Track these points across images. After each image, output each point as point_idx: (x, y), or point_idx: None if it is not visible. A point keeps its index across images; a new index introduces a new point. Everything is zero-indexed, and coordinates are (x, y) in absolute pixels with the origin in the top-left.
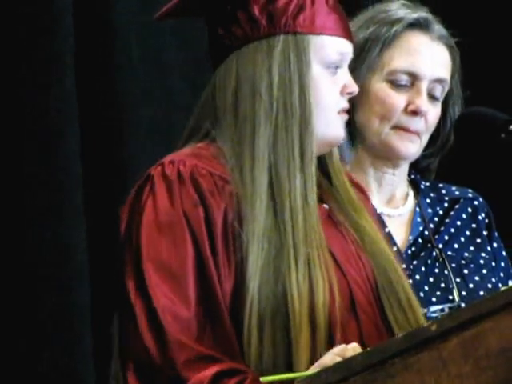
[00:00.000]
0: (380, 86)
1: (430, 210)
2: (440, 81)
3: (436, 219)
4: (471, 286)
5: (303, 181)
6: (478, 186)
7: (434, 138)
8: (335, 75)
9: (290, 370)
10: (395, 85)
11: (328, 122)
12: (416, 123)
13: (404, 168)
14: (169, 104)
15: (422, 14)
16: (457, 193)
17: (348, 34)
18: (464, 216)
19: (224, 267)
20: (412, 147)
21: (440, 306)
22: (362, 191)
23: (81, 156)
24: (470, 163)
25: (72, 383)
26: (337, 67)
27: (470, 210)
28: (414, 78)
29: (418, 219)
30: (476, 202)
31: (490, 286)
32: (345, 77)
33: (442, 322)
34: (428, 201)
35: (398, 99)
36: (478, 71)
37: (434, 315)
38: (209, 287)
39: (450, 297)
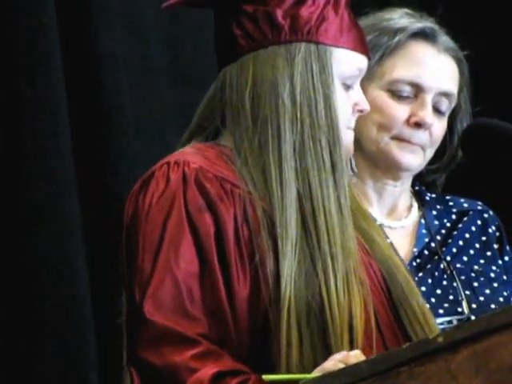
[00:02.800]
0: (378, 94)
1: (436, 222)
2: (446, 94)
3: (443, 231)
4: (482, 298)
5: (336, 192)
6: (488, 199)
7: (440, 154)
8: (349, 91)
9: None
10: (397, 95)
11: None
12: (419, 136)
13: (407, 179)
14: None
15: (428, 24)
16: (465, 205)
17: (367, 51)
18: (473, 228)
19: (238, 273)
20: (414, 159)
21: (448, 318)
22: None
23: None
24: (480, 176)
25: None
26: (352, 83)
27: (479, 222)
28: (419, 89)
29: (423, 231)
30: (486, 215)
31: (501, 299)
32: (357, 94)
33: (449, 333)
34: (434, 213)
35: (400, 110)
36: (486, 84)
37: (441, 327)
38: (213, 293)
39: (459, 309)
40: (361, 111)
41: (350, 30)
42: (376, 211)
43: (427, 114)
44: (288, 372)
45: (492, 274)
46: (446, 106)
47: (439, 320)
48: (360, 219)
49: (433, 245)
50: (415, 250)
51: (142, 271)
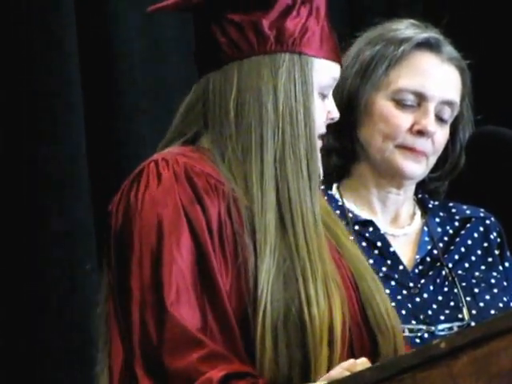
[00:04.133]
0: (384, 104)
1: (439, 229)
2: (449, 103)
3: (446, 238)
4: (482, 304)
5: (312, 199)
6: (491, 206)
7: (443, 162)
8: (324, 99)
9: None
10: (401, 104)
11: None
12: (422, 143)
13: (410, 188)
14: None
15: (432, 34)
16: (468, 212)
17: (341, 60)
18: (475, 235)
19: (221, 268)
20: (417, 167)
21: (449, 325)
22: None
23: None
24: (483, 184)
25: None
26: (327, 92)
27: (481, 229)
28: (422, 98)
29: (426, 238)
30: (488, 222)
31: (501, 305)
32: (330, 102)
33: (451, 339)
34: (437, 220)
35: (403, 119)
36: (487, 92)
37: (441, 333)
38: (212, 286)
39: (460, 315)
40: (332, 119)
41: (328, 41)
42: (380, 219)
43: (430, 123)
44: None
45: (492, 280)
46: (448, 114)
47: (440, 326)
48: (327, 220)
49: (435, 252)
50: (417, 256)
51: (143, 268)
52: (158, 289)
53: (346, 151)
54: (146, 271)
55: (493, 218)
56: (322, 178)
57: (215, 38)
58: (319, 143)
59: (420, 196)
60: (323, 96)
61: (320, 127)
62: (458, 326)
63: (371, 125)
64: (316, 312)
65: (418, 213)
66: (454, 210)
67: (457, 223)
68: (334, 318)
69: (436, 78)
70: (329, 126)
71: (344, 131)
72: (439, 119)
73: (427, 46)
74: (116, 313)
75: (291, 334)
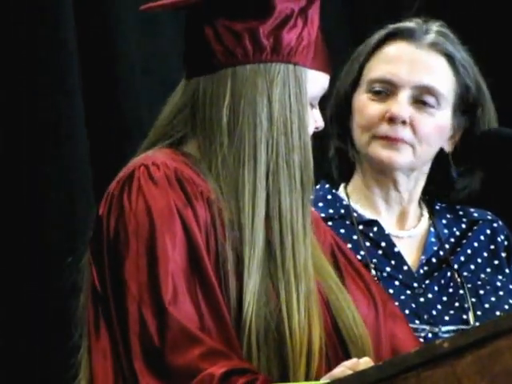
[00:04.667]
0: (360, 98)
1: (445, 231)
2: (426, 88)
3: (452, 240)
4: (487, 306)
5: (303, 212)
6: (495, 206)
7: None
8: (312, 109)
9: None
10: (374, 95)
11: None
12: (397, 131)
13: (413, 184)
14: None
15: (412, 25)
16: (475, 215)
17: (330, 71)
18: (482, 238)
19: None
20: (397, 155)
21: (453, 327)
22: None
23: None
24: (488, 184)
25: None
26: (316, 102)
27: (488, 231)
28: (391, 85)
29: (433, 239)
30: (495, 225)
31: (506, 306)
32: (317, 111)
33: (455, 338)
34: (444, 221)
35: (376, 109)
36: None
37: (445, 335)
38: (207, 285)
39: (464, 316)
40: (317, 128)
41: (320, 52)
42: (384, 220)
43: (400, 108)
44: None
45: (498, 283)
46: (431, 100)
47: (444, 328)
48: None
49: (441, 253)
50: (423, 257)
51: (140, 268)
52: (155, 288)
53: (345, 153)
54: (142, 271)
55: (500, 222)
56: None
57: (209, 42)
58: None
59: (427, 197)
60: (312, 106)
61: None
62: (463, 330)
63: (353, 120)
64: (297, 326)
65: (426, 214)
66: (461, 213)
67: (464, 225)
68: (314, 333)
69: (405, 63)
70: (330, 130)
71: (339, 134)
72: (421, 106)
73: (399, 35)
74: (99, 314)
75: (271, 348)
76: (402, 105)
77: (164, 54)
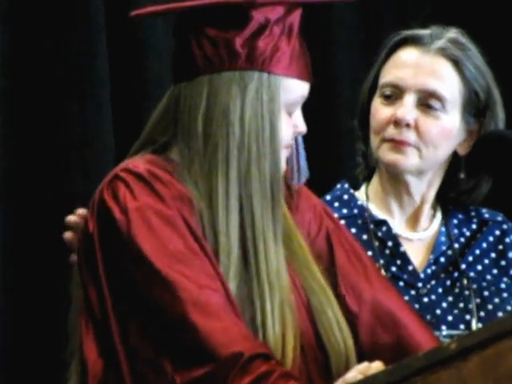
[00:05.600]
0: (374, 103)
1: (456, 231)
2: (431, 92)
3: (462, 240)
4: (490, 307)
5: (274, 218)
6: (498, 207)
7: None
8: (291, 116)
9: None
10: (385, 99)
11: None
12: (402, 134)
13: (426, 188)
14: None
15: (420, 32)
16: (486, 215)
17: (311, 78)
18: (491, 239)
19: None
20: (402, 158)
21: (456, 332)
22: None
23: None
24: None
25: None
26: (295, 109)
27: (497, 232)
28: (399, 89)
29: (443, 238)
30: (505, 226)
31: (509, 308)
32: (298, 117)
33: (461, 340)
34: (455, 221)
35: (384, 112)
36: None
37: (446, 340)
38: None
39: (468, 317)
40: (299, 133)
41: (299, 59)
42: (396, 221)
43: (403, 111)
44: None
45: (503, 285)
46: (437, 104)
47: (445, 332)
48: (284, 232)
49: (449, 253)
50: (431, 256)
51: (146, 266)
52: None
53: (367, 156)
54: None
55: (510, 223)
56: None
57: (191, 49)
58: (285, 152)
59: (441, 198)
60: (290, 113)
61: (286, 140)
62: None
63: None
64: (271, 337)
65: (439, 216)
66: (473, 213)
67: (474, 226)
68: (287, 343)
69: (411, 67)
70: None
71: (363, 137)
72: (426, 109)
73: (409, 41)
74: (92, 325)
75: None
76: (406, 108)
77: None
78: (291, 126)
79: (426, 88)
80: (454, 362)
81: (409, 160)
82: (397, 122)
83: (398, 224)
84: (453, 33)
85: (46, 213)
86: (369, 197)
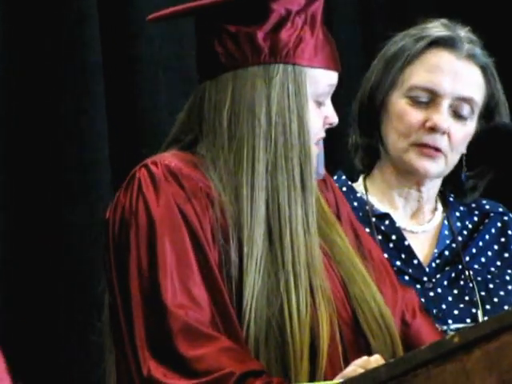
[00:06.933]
0: (399, 102)
1: (458, 224)
2: (465, 99)
3: (465, 232)
4: (496, 300)
5: (304, 210)
6: (505, 200)
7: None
8: (320, 106)
9: None
10: (414, 101)
11: None
12: (436, 140)
13: (433, 185)
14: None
15: (451, 32)
16: (487, 207)
17: (338, 66)
18: (493, 230)
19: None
20: (433, 166)
21: (463, 325)
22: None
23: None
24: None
25: None
26: (324, 99)
27: (499, 224)
28: (434, 94)
29: (446, 232)
30: (506, 218)
31: None
32: (328, 108)
33: (464, 333)
34: (457, 214)
35: (416, 116)
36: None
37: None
38: (215, 285)
39: (474, 310)
40: (330, 124)
41: (323, 49)
42: (400, 214)
43: (441, 118)
44: None
45: (507, 277)
46: (467, 111)
47: (453, 326)
48: (322, 223)
49: (453, 246)
50: (436, 250)
51: (142, 267)
52: (156, 291)
53: (370, 148)
54: (144, 274)
55: (511, 215)
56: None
57: (213, 47)
58: (316, 149)
59: (441, 190)
60: (319, 103)
61: (317, 134)
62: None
63: (388, 123)
64: (297, 328)
65: (440, 208)
66: (473, 205)
67: (476, 218)
68: (321, 332)
69: (449, 74)
70: (355, 124)
71: (367, 129)
72: (457, 115)
73: (442, 43)
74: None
75: (271, 351)
76: (443, 115)
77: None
78: (321, 117)
79: (462, 96)
80: (458, 355)
81: (438, 167)
82: (433, 129)
83: (401, 217)
84: (469, 33)
85: (46, 213)
86: (368, 189)
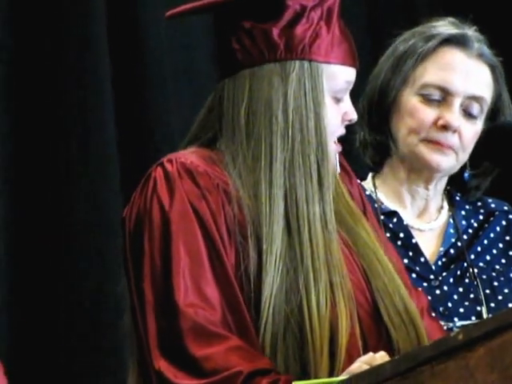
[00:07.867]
0: (411, 99)
1: (464, 222)
2: (476, 98)
3: (470, 231)
4: (500, 297)
5: (322, 207)
6: (507, 198)
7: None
8: (339, 103)
9: None
10: (426, 99)
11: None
12: (447, 138)
13: (440, 183)
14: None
15: (462, 31)
16: (492, 205)
17: (355, 62)
18: (498, 229)
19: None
20: (444, 160)
21: (468, 323)
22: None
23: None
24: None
25: None
26: (342, 96)
27: (504, 222)
28: (446, 93)
29: (451, 230)
30: (511, 216)
31: None
32: (346, 104)
33: (468, 331)
34: (463, 213)
35: (428, 114)
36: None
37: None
38: (228, 284)
39: (479, 308)
40: (349, 121)
41: (340, 44)
42: (408, 212)
43: (453, 117)
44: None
45: (511, 275)
46: (477, 110)
47: (459, 323)
48: (346, 216)
49: (459, 244)
50: (441, 249)
51: (155, 266)
52: (169, 292)
53: (380, 145)
54: (157, 274)
55: None
56: (338, 172)
57: (230, 44)
58: (335, 147)
59: (448, 189)
60: (337, 100)
61: (335, 131)
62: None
63: (398, 119)
64: (316, 324)
65: (446, 206)
66: (479, 204)
67: (481, 216)
68: (340, 328)
69: (461, 73)
70: (364, 121)
71: (377, 126)
72: (467, 114)
73: (454, 41)
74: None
75: (290, 348)
76: (455, 114)
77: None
78: (339, 113)
79: (474, 95)
80: (461, 352)
81: (449, 162)
82: (445, 127)
83: (409, 215)
84: (476, 32)
85: (46, 212)
86: (377, 186)
